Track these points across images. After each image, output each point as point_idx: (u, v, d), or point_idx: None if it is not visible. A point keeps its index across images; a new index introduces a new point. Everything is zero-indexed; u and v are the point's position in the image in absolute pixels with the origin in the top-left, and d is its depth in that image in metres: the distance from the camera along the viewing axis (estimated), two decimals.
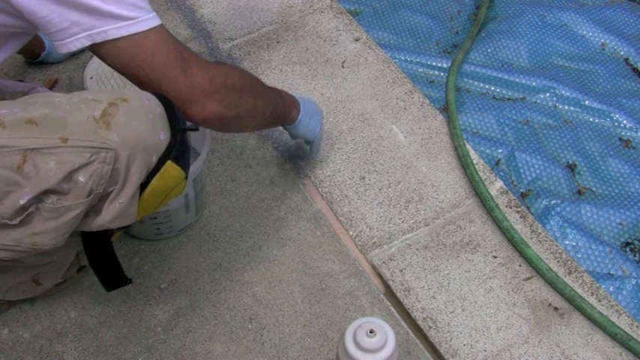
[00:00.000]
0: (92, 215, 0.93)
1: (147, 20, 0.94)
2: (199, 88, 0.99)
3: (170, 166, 0.95)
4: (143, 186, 0.94)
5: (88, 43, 0.92)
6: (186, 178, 1.01)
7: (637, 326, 1.29)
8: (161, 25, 0.96)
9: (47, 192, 0.87)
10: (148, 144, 0.92)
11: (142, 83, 0.98)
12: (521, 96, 1.77)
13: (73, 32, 0.91)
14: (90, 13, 0.89)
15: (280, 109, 1.23)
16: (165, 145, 0.95)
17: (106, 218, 0.92)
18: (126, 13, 0.91)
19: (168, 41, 0.97)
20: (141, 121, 0.91)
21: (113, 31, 0.91)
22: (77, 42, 0.92)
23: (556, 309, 1.31)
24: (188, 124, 1.01)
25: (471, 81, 1.80)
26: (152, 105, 0.94)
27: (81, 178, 0.87)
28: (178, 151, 0.96)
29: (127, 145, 0.89)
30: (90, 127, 0.88)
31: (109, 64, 0.97)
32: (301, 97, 1.35)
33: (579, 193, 1.58)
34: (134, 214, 0.95)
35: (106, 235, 1.01)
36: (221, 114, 1.03)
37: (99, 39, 0.91)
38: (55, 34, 0.92)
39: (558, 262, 1.37)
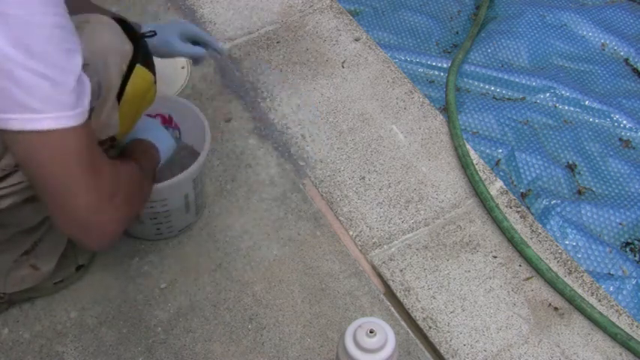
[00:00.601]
0: None
1: (63, 118, 0.81)
2: (102, 215, 0.89)
3: (140, 69, 1.03)
4: (119, 96, 1.01)
5: None
6: (155, 82, 1.08)
7: (637, 326, 1.29)
8: (82, 126, 0.84)
9: None
10: (118, 51, 0.99)
11: (37, 188, 0.87)
12: (521, 96, 1.77)
13: None
14: None
15: (153, 173, 1.17)
16: (131, 53, 1.01)
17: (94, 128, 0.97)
18: (37, 105, 0.78)
19: (81, 146, 0.85)
20: (105, 33, 0.98)
21: (15, 122, 0.78)
22: None
23: (556, 309, 1.31)
24: (143, 30, 1.09)
25: (471, 81, 1.79)
26: (111, 22, 1.01)
27: None
28: (143, 55, 1.04)
29: (100, 55, 0.96)
30: None
31: (12, 153, 0.87)
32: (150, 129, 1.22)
33: (579, 193, 1.58)
34: (117, 123, 1.01)
35: None
36: (118, 232, 0.95)
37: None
38: None
39: (558, 262, 1.37)
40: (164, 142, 1.22)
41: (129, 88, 1.02)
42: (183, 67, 1.68)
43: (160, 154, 1.19)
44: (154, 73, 1.08)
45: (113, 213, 0.91)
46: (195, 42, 1.37)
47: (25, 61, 0.76)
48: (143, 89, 1.06)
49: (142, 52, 1.05)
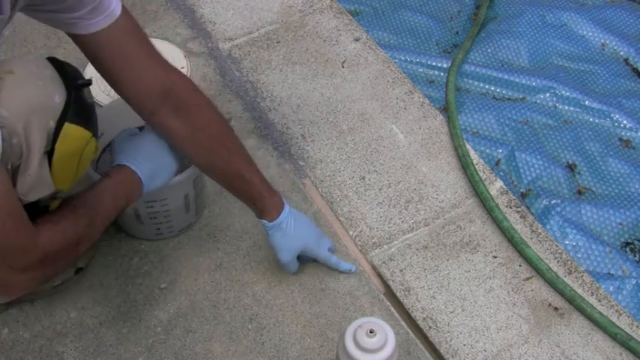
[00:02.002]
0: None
1: None
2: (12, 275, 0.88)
3: (69, 127, 0.94)
4: (52, 153, 0.94)
5: None
6: (94, 136, 1.00)
7: (637, 326, 1.29)
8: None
9: None
10: (42, 109, 0.91)
11: None
12: (521, 96, 1.77)
13: None
14: None
15: (115, 211, 1.10)
16: (61, 107, 0.94)
17: (21, 191, 0.92)
18: None
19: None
20: (30, 88, 0.90)
21: None
22: None
23: (556, 309, 1.31)
24: (80, 80, 0.98)
25: (471, 81, 1.79)
26: (40, 69, 0.93)
27: None
28: (76, 110, 0.95)
29: (20, 116, 0.88)
30: None
31: None
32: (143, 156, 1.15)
33: (579, 193, 1.58)
34: (50, 182, 0.95)
35: (42, 208, 1.00)
36: (30, 289, 0.92)
37: None
38: None
39: (558, 262, 1.37)
40: (165, 171, 1.17)
41: (58, 146, 0.94)
42: (182, 67, 1.68)
43: (147, 187, 1.13)
44: (92, 126, 0.99)
45: (21, 282, 0.89)
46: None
47: None
48: (76, 147, 0.97)
49: (75, 106, 0.96)
